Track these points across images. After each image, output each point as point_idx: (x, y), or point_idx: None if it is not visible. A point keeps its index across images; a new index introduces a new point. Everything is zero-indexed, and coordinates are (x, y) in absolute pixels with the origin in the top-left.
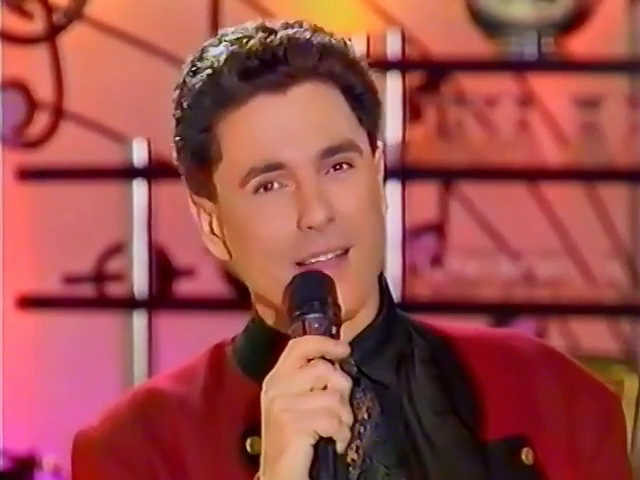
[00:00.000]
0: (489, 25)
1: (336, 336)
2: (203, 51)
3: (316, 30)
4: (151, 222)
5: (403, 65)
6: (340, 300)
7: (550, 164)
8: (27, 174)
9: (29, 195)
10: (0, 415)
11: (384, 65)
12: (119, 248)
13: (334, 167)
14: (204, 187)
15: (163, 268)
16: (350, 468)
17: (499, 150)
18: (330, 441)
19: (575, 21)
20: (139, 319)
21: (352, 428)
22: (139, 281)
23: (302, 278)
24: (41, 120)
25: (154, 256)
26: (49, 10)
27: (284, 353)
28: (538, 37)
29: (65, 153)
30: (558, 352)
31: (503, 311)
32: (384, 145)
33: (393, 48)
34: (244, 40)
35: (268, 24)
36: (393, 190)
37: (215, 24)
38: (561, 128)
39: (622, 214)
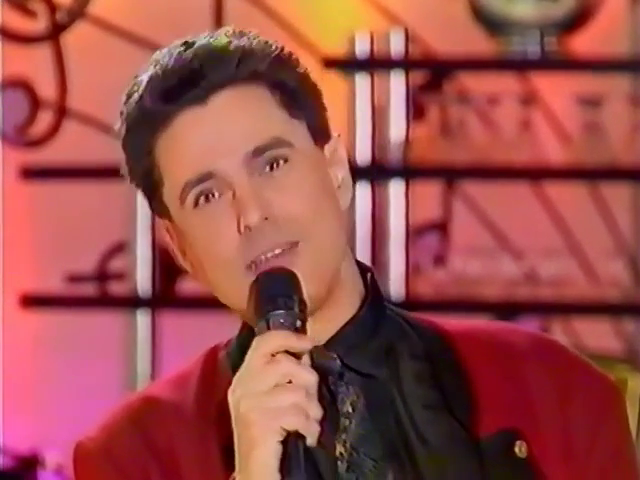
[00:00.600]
0: (492, 24)
1: (301, 330)
2: (136, 77)
3: (236, 35)
4: (155, 221)
5: (406, 64)
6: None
7: (553, 163)
8: (30, 173)
9: (32, 194)
10: (2, 414)
11: (387, 64)
12: (122, 247)
13: (270, 166)
14: (159, 209)
15: (166, 267)
16: (338, 462)
17: (502, 149)
18: (299, 436)
19: (578, 20)
20: (142, 318)
21: (337, 422)
22: (142, 280)
23: (265, 277)
24: (44, 119)
25: (157, 255)
26: (52, 9)
27: (249, 351)
28: (541, 36)
29: (68, 152)
30: (556, 345)
31: (506, 310)
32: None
33: (396, 47)
34: (164, 60)
35: (191, 39)
36: (396, 189)
37: (218, 23)
38: (564, 127)
39: (625, 213)
